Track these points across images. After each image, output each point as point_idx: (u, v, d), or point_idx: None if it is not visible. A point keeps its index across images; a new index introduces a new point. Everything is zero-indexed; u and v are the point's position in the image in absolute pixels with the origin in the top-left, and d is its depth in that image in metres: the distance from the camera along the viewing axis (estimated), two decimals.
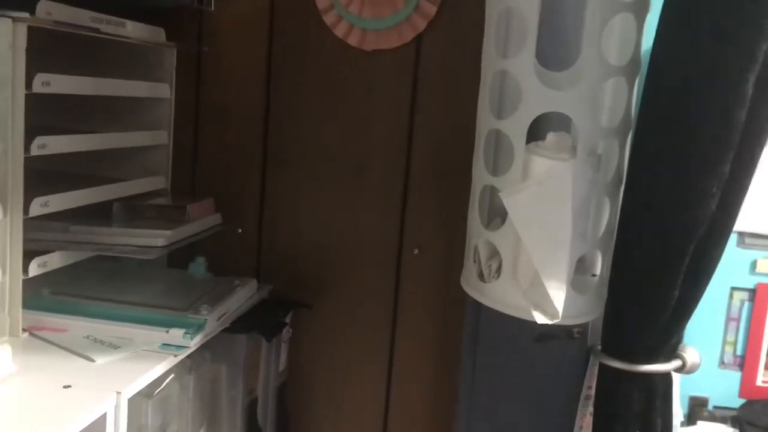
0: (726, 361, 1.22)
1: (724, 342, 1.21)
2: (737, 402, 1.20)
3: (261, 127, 1.29)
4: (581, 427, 1.14)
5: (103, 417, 0.80)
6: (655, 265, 0.87)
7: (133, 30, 1.14)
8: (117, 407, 0.82)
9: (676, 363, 1.00)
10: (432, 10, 1.18)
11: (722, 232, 0.82)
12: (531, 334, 1.13)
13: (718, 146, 0.75)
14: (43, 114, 1.19)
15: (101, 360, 0.91)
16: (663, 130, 0.80)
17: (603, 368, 1.03)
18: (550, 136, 0.95)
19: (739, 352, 1.21)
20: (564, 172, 0.90)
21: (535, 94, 0.89)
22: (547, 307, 0.91)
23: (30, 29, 0.90)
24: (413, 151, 1.24)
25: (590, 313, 1.00)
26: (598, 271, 1.02)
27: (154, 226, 1.14)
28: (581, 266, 1.03)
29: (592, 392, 1.09)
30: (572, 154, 0.91)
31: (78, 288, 1.09)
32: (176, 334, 0.98)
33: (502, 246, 0.96)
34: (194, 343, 0.99)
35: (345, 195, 1.27)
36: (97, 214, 1.17)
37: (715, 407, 1.23)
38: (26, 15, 0.90)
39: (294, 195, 1.29)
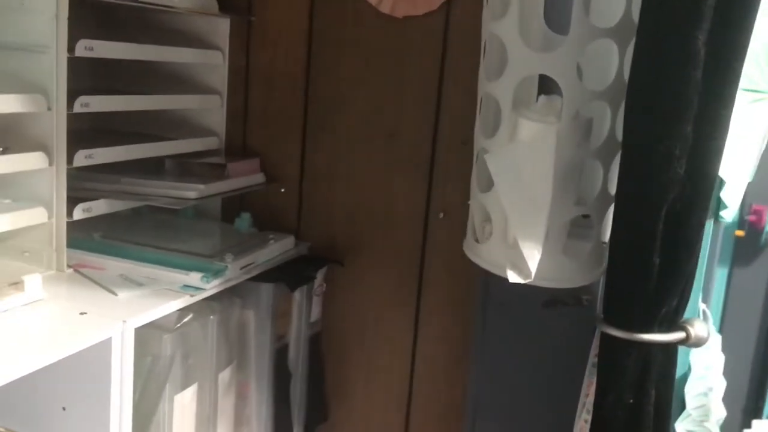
0: None
1: None
2: None
3: (302, 93, 1.36)
4: (587, 394, 1.14)
5: (108, 341, 0.91)
6: (632, 230, 0.86)
7: (181, 1, 1.24)
8: (123, 333, 0.93)
9: (678, 335, 0.98)
10: None
11: (695, 198, 0.80)
12: (540, 299, 1.14)
13: (675, 106, 0.73)
14: (111, 80, 1.34)
15: (122, 295, 1.03)
16: (631, 93, 0.80)
17: (604, 337, 1.03)
18: (541, 99, 0.96)
19: None
20: (547, 134, 0.90)
21: (520, 57, 0.90)
22: (522, 266, 0.92)
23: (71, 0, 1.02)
24: (441, 118, 1.27)
25: (581, 277, 1.00)
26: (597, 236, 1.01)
27: (197, 181, 1.24)
28: (585, 233, 1.03)
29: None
30: (559, 117, 0.91)
31: (126, 234, 1.22)
32: (195, 277, 1.08)
33: (492, 208, 0.98)
34: (211, 286, 1.09)
35: (376, 160, 1.32)
36: (154, 169, 1.30)
37: None
38: None
39: (330, 159, 1.36)
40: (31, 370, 0.81)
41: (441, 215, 1.29)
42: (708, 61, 0.71)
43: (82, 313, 0.95)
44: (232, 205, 1.43)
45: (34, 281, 0.96)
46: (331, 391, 1.42)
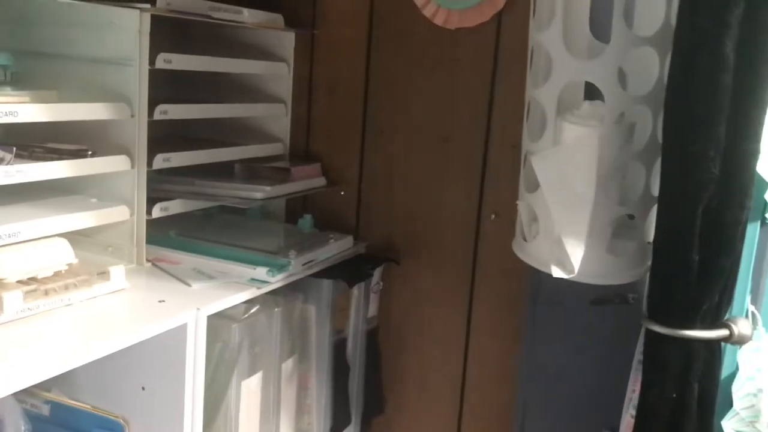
0: None
1: None
2: None
3: (361, 101, 1.44)
4: (634, 391, 1.18)
5: (184, 326, 1.01)
6: (671, 228, 0.90)
7: (250, 16, 1.34)
8: (197, 320, 1.02)
9: (722, 332, 1.01)
10: None
11: (729, 197, 0.84)
12: (588, 297, 1.18)
13: (708, 109, 0.78)
14: (183, 90, 1.45)
15: (196, 286, 1.12)
16: (668, 97, 0.84)
17: (648, 333, 1.07)
18: (585, 105, 1.01)
19: None
20: (590, 137, 0.96)
21: (563, 64, 0.96)
22: (565, 262, 0.97)
23: (153, 17, 1.12)
24: (492, 122, 1.33)
25: (625, 275, 1.04)
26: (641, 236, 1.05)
27: (263, 183, 1.34)
28: (630, 232, 1.07)
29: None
30: (602, 121, 0.96)
31: (198, 232, 1.32)
32: (261, 271, 1.17)
33: (539, 207, 1.04)
34: (276, 279, 1.18)
35: (431, 164, 1.39)
36: (224, 173, 1.40)
37: None
38: (148, 6, 1.12)
39: (387, 163, 1.43)
40: (115, 350, 0.91)
41: (493, 216, 1.35)
42: (738, 66, 0.75)
43: (160, 301, 1.04)
44: (295, 207, 1.52)
45: (118, 272, 1.06)
46: (386, 385, 1.49)
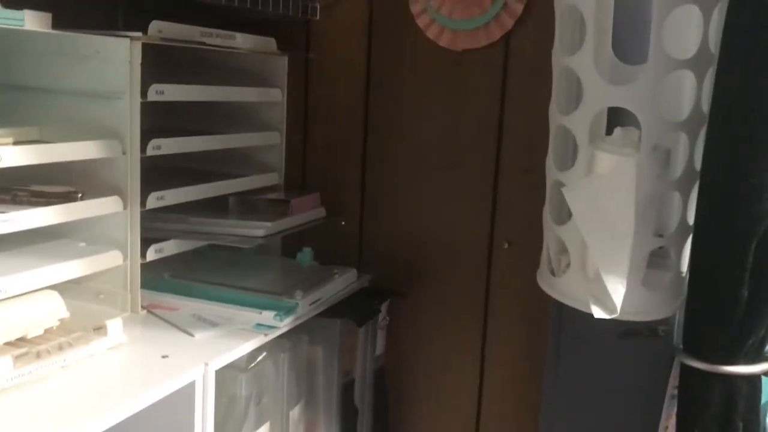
0: None
1: None
2: None
3: (361, 126, 1.37)
4: (666, 428, 1.12)
5: (192, 384, 0.92)
6: (720, 261, 0.85)
7: (243, 41, 1.26)
8: (205, 376, 0.94)
9: (764, 366, 0.96)
10: (519, 8, 1.20)
11: None
12: (615, 331, 1.12)
13: None
14: (170, 118, 1.36)
15: (199, 335, 1.03)
16: (725, 122, 0.79)
17: (684, 368, 1.02)
18: (617, 132, 0.95)
19: None
20: (627, 166, 0.90)
21: (596, 90, 0.90)
22: (606, 301, 0.91)
23: (144, 46, 1.04)
24: (503, 147, 1.27)
25: (662, 309, 0.99)
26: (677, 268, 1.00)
27: (261, 218, 1.25)
28: (662, 262, 1.01)
29: (677, 391, 1.07)
30: (637, 149, 0.90)
31: (194, 273, 1.24)
32: (268, 316, 1.09)
33: (570, 240, 0.97)
34: (284, 324, 1.09)
35: (439, 190, 1.32)
36: (217, 207, 1.31)
37: None
38: (140, 34, 1.04)
39: (392, 190, 1.36)
40: (119, 420, 0.82)
41: (506, 245, 1.28)
42: None
43: (164, 357, 0.96)
44: (292, 240, 1.44)
45: (115, 325, 0.97)
46: (395, 426, 1.41)
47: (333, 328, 1.25)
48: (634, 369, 1.15)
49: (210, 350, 0.98)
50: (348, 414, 1.30)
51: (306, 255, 1.36)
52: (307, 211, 1.35)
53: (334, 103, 1.39)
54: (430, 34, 1.28)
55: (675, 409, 1.11)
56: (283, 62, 1.40)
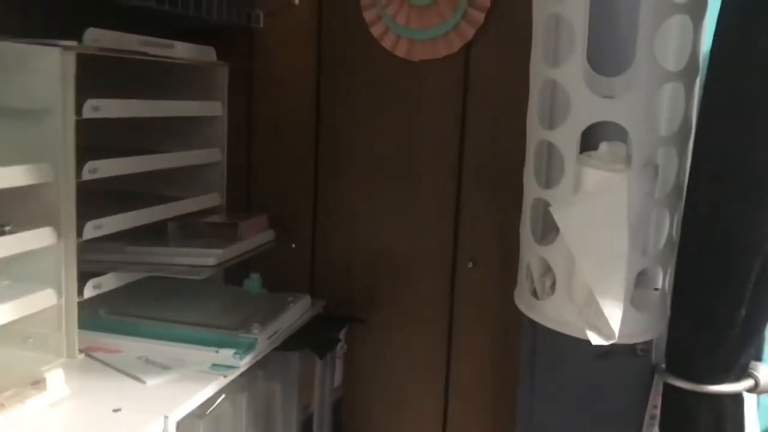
0: None
1: None
2: None
3: (312, 142, 1.29)
4: None
5: None
6: (720, 281, 0.82)
7: (182, 51, 1.15)
8: (165, 431, 0.82)
9: (748, 383, 0.94)
10: (480, 17, 1.15)
11: None
12: (592, 351, 1.08)
13: None
14: (99, 135, 1.22)
15: (152, 382, 0.92)
16: (724, 136, 0.75)
17: (668, 388, 0.99)
18: (603, 146, 0.90)
19: None
20: (618, 183, 0.85)
21: (585, 103, 0.85)
22: (602, 326, 0.86)
23: (79, 56, 0.92)
24: (465, 162, 1.21)
25: (652, 330, 0.95)
26: (659, 285, 0.96)
27: (208, 245, 1.14)
28: (641, 280, 0.98)
29: (658, 411, 1.04)
30: (627, 164, 0.86)
31: (134, 307, 1.11)
32: (226, 355, 0.98)
33: (555, 262, 0.92)
34: (244, 363, 0.99)
35: (397, 208, 1.25)
36: (154, 232, 1.19)
37: None
38: (74, 43, 0.91)
39: (346, 209, 1.28)
40: None
41: (470, 264, 1.23)
42: None
43: (115, 410, 0.84)
44: (236, 266, 1.33)
45: (56, 377, 0.84)
46: None
47: (290, 362, 1.16)
48: (612, 390, 1.11)
49: (166, 399, 0.87)
50: None
51: (254, 282, 1.26)
52: (256, 235, 1.25)
53: (280, 117, 1.30)
54: (386, 43, 1.21)
55: (655, 430, 1.09)
56: (223, 73, 1.29)
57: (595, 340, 0.86)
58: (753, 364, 0.95)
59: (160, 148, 1.23)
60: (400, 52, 1.20)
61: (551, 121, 0.92)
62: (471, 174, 1.21)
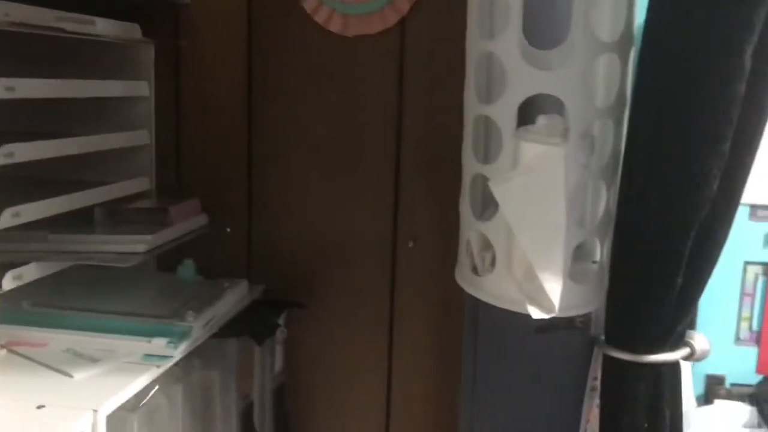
0: (742, 337, 1.17)
1: (740, 318, 1.17)
2: (755, 378, 1.15)
3: (245, 122, 1.24)
4: (588, 420, 1.10)
5: None
6: (657, 251, 0.82)
7: (103, 27, 1.09)
8: (94, 425, 0.78)
9: (684, 351, 0.95)
10: None
11: (725, 215, 0.77)
12: (532, 325, 1.08)
13: (717, 122, 0.69)
14: (17, 118, 1.15)
15: (79, 375, 0.87)
16: (660, 108, 0.75)
17: (607, 359, 0.99)
18: (541, 120, 0.89)
19: (755, 327, 1.16)
20: (555, 157, 0.85)
21: (522, 76, 0.84)
22: (542, 300, 0.86)
23: None
24: (403, 139, 1.19)
25: (591, 302, 0.95)
26: (597, 258, 0.97)
27: (136, 231, 1.10)
28: (580, 253, 0.98)
29: (598, 383, 1.05)
30: (564, 137, 0.85)
31: (61, 298, 1.06)
32: (159, 344, 0.95)
33: (495, 237, 0.91)
34: (179, 352, 0.96)
35: (336, 188, 1.23)
36: (80, 219, 1.13)
37: (733, 385, 1.19)
38: None
39: (283, 191, 1.25)
40: None
41: (410, 244, 1.21)
42: (751, 72, 0.67)
43: (39, 407, 0.79)
44: (169, 252, 1.28)
45: None
46: None
47: (228, 349, 1.12)
48: (553, 363, 1.12)
49: (95, 392, 0.83)
50: None
51: (188, 268, 1.22)
52: (188, 219, 1.20)
53: (211, 97, 1.25)
54: (319, 18, 1.17)
55: (596, 402, 1.09)
56: (148, 51, 1.23)
57: (536, 314, 0.85)
58: (688, 332, 0.97)
59: (85, 132, 1.16)
60: (335, 27, 1.17)
61: (488, 95, 0.91)
62: (410, 152, 1.19)
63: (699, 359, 0.98)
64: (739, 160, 0.73)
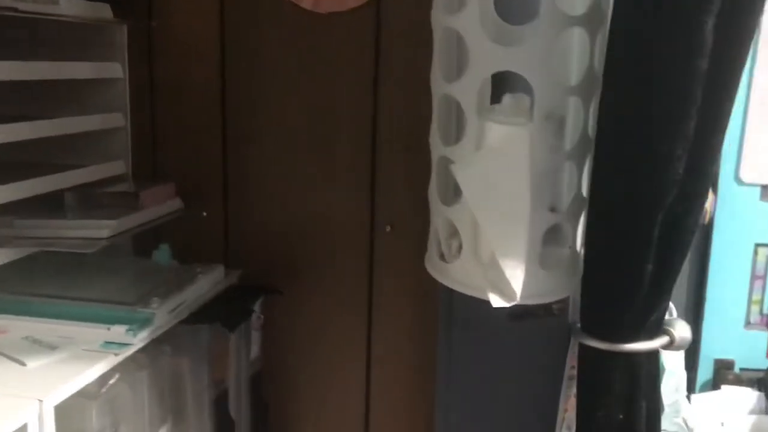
0: (752, 321, 1.13)
1: (750, 301, 1.13)
2: (765, 363, 1.11)
3: (219, 104, 1.22)
4: (566, 410, 1.06)
5: (24, 428, 0.75)
6: (624, 236, 0.78)
7: (68, 7, 1.06)
8: (40, 416, 0.77)
9: (663, 340, 0.92)
10: None
11: (694, 199, 0.73)
12: (506, 312, 1.05)
13: (679, 101, 0.65)
14: None
15: (33, 364, 0.86)
16: (623, 87, 0.71)
17: (582, 348, 0.96)
18: (507, 99, 0.86)
19: (766, 310, 1.12)
20: (520, 138, 0.81)
21: (483, 53, 0.80)
22: (504, 287, 0.82)
23: None
24: (379, 121, 1.16)
25: (560, 289, 0.92)
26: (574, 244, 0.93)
27: (105, 216, 1.07)
28: (553, 238, 0.94)
29: (575, 372, 1.02)
30: (530, 117, 0.81)
31: (28, 284, 1.04)
32: (119, 331, 0.93)
33: (461, 223, 0.88)
34: (139, 339, 0.94)
35: (312, 172, 1.20)
36: (51, 204, 1.11)
37: (742, 369, 1.15)
38: None
39: (259, 174, 1.22)
40: None
41: (388, 228, 1.18)
42: (715, 49, 0.63)
43: None
44: (145, 237, 1.26)
45: None
46: None
47: (200, 335, 1.10)
48: (530, 350, 1.09)
49: (46, 382, 0.81)
50: (223, 428, 1.15)
51: (163, 253, 1.20)
52: (161, 204, 1.18)
53: (185, 78, 1.22)
54: None
55: (574, 391, 1.06)
56: (121, 32, 1.21)
57: (496, 301, 0.82)
58: (668, 320, 0.93)
59: (59, 115, 1.14)
60: (307, 4, 1.14)
61: (449, 73, 0.87)
62: (386, 134, 1.16)
63: (679, 348, 0.94)
64: (705, 142, 0.69)
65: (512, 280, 0.81)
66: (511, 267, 0.81)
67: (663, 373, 1.13)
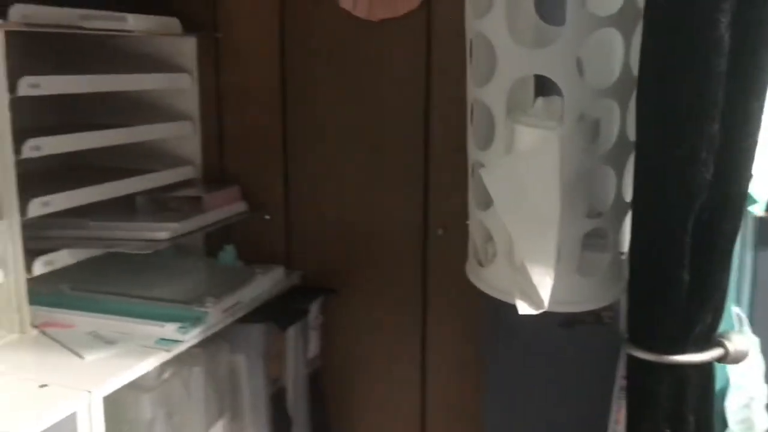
0: None
1: None
2: None
3: (279, 111, 1.25)
4: (617, 421, 1.03)
5: (73, 417, 0.81)
6: (654, 244, 0.75)
7: (136, 23, 1.13)
8: (90, 406, 0.82)
9: (715, 352, 0.87)
10: None
11: (727, 204, 0.69)
12: (554, 320, 1.02)
13: (698, 101, 0.62)
14: (69, 114, 1.23)
15: (90, 357, 0.92)
16: (643, 90, 0.68)
17: (630, 358, 0.92)
18: (539, 102, 0.84)
19: None
20: (550, 141, 0.79)
21: (509, 56, 0.79)
22: (532, 294, 0.81)
23: (9, 34, 0.91)
24: (431, 125, 1.16)
25: (604, 297, 0.89)
26: (611, 249, 0.90)
27: (170, 218, 1.14)
28: (597, 244, 0.91)
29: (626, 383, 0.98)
30: (561, 121, 0.80)
31: (97, 283, 1.12)
32: (170, 329, 0.98)
33: (495, 227, 0.87)
34: (189, 337, 0.98)
35: (365, 176, 1.21)
36: (125, 207, 1.19)
37: None
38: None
39: (316, 178, 1.25)
40: None
41: (440, 231, 1.18)
42: (733, 48, 0.59)
43: (42, 386, 0.84)
44: (215, 239, 1.32)
45: None
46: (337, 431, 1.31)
47: (258, 334, 1.15)
48: (579, 359, 1.06)
49: (98, 375, 0.87)
50: (281, 424, 1.19)
51: (228, 254, 1.25)
52: (225, 207, 1.23)
53: (249, 87, 1.27)
54: (346, 5, 1.16)
55: (625, 402, 1.03)
56: (191, 44, 1.27)
57: (523, 308, 0.80)
58: (724, 332, 0.88)
59: (135, 123, 1.22)
60: (360, 12, 1.15)
61: (481, 78, 0.86)
62: (438, 138, 1.16)
63: (735, 362, 0.89)
64: (735, 144, 0.65)
65: (540, 287, 0.80)
66: (539, 273, 0.79)
67: (729, 388, 1.07)
